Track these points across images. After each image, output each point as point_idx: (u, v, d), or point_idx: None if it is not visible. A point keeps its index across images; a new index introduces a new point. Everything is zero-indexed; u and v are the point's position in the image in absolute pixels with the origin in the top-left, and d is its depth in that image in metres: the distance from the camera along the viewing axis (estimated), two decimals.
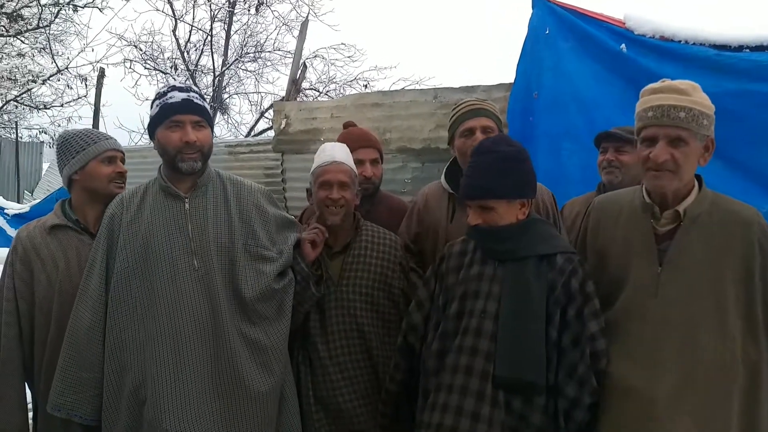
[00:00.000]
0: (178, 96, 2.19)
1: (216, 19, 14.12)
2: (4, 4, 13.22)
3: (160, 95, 2.23)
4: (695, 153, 1.86)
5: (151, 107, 2.25)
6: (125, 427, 2.15)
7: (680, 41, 3.38)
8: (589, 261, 2.10)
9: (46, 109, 15.05)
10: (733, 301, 1.80)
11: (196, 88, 2.31)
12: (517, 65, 4.03)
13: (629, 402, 1.83)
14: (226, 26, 14.31)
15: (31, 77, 14.63)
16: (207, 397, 2.12)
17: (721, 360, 1.78)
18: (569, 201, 3.10)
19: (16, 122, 16.44)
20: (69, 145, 2.40)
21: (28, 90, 14.88)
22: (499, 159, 2.02)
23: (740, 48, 3.24)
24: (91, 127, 8.23)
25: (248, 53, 14.66)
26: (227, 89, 14.81)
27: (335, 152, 2.50)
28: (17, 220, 8.56)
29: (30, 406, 2.45)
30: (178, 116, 2.18)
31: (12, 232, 8.06)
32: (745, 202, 1.95)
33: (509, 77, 4.11)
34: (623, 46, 3.52)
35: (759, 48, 3.21)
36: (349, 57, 13.38)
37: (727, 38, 3.25)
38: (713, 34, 3.28)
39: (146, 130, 2.33)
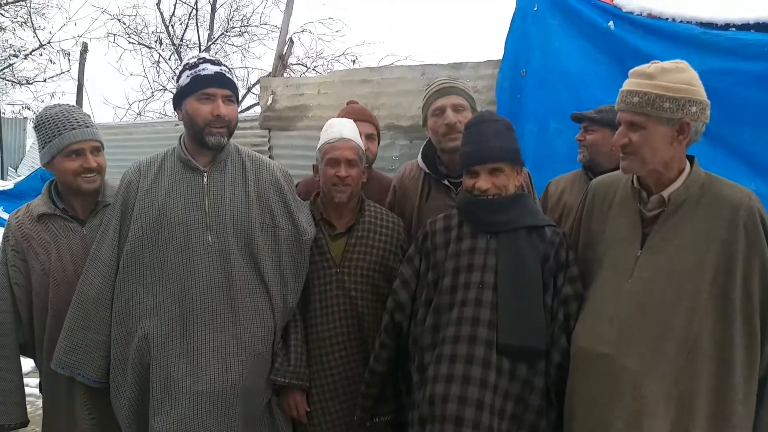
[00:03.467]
0: (210, 68, 2.19)
1: None
2: None
3: (190, 66, 2.21)
4: (658, 137, 1.81)
5: (179, 78, 2.24)
6: (132, 390, 2.19)
7: (667, 19, 3.39)
8: (581, 240, 2.13)
9: (28, 84, 14.79)
10: (708, 285, 1.79)
11: (225, 62, 2.30)
12: (506, 42, 4.02)
13: (599, 369, 1.86)
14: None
15: (12, 52, 14.36)
16: (215, 362, 2.16)
17: (691, 344, 1.78)
18: (555, 178, 3.11)
19: None
20: (39, 133, 2.31)
21: (10, 65, 14.60)
22: (504, 127, 2.12)
23: (726, 26, 3.25)
24: (74, 103, 8.11)
25: (234, 27, 14.49)
26: None
27: (343, 128, 2.45)
28: (1, 196, 8.50)
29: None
30: (211, 89, 2.17)
31: None
32: (728, 179, 1.92)
33: (497, 54, 4.11)
34: (611, 23, 3.52)
35: (745, 27, 3.23)
36: (337, 32, 13.34)
37: (713, 16, 3.26)
38: (700, 12, 3.29)
39: (172, 101, 2.31)
